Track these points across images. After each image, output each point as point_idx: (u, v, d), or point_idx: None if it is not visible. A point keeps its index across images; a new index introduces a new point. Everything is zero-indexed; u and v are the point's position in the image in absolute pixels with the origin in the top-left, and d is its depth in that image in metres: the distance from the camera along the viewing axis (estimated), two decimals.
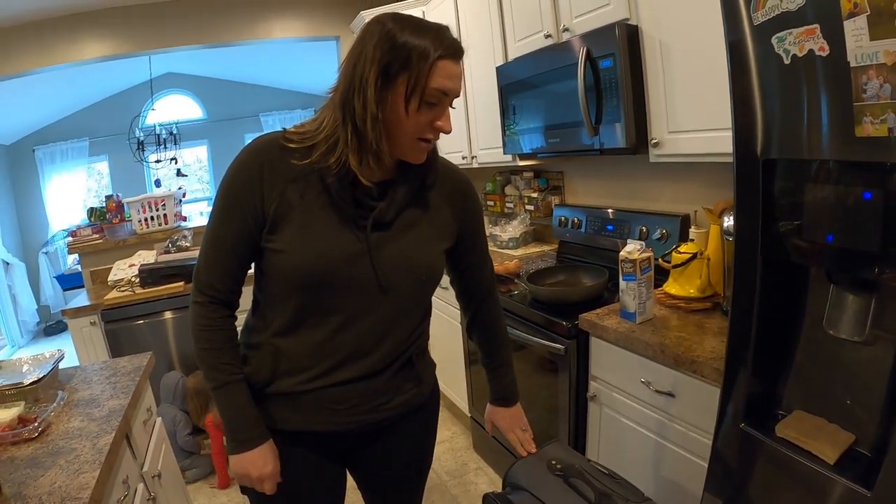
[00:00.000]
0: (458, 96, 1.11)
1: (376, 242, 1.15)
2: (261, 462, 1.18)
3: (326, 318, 1.16)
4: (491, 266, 1.49)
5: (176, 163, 6.94)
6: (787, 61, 0.97)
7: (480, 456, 2.94)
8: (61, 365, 1.92)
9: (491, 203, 3.73)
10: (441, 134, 1.13)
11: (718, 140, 1.67)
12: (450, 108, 1.12)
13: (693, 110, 1.79)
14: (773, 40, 0.98)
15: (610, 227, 2.61)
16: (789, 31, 0.95)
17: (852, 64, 0.86)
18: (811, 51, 0.92)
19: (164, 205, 3.98)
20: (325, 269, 1.12)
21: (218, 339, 1.18)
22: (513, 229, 3.31)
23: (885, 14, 0.80)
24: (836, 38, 0.88)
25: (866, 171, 0.90)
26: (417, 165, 1.18)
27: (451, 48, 1.06)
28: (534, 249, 3.21)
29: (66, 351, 1.99)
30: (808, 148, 0.99)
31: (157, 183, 7.12)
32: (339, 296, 1.15)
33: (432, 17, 3.51)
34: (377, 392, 1.23)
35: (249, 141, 1.17)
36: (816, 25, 0.90)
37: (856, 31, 0.84)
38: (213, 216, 1.16)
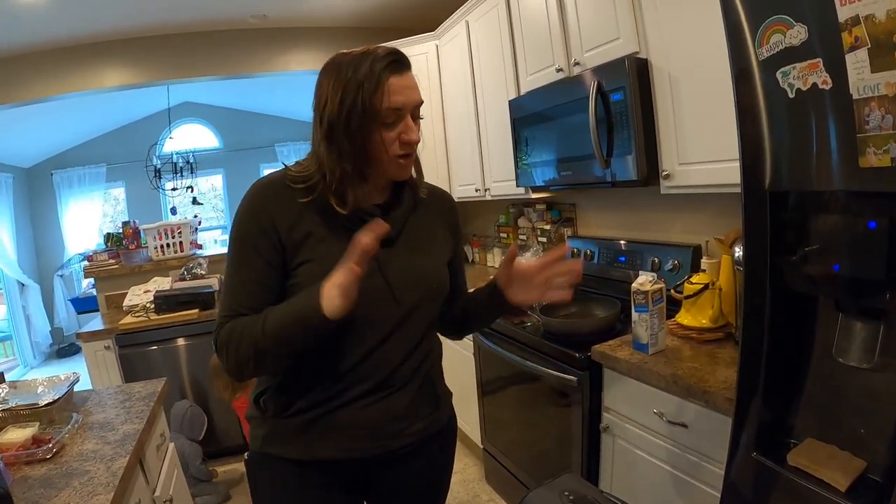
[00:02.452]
0: (418, 105, 1.16)
1: (385, 258, 1.18)
2: (330, 281, 1.06)
3: (345, 336, 1.17)
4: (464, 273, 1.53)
5: (192, 191, 7.05)
6: (791, 95, 0.99)
7: (493, 487, 2.91)
8: (75, 388, 1.94)
9: (504, 235, 3.75)
10: (414, 145, 1.17)
11: (728, 171, 1.68)
12: (415, 120, 1.16)
13: (703, 142, 1.82)
14: (778, 75, 1.00)
15: (622, 259, 2.62)
16: (793, 65, 0.97)
17: (855, 96, 0.88)
18: (815, 84, 0.94)
19: (180, 232, 4.05)
20: None
21: (240, 322, 1.13)
22: (525, 261, 3.31)
23: (885, 46, 0.83)
24: (838, 71, 0.90)
25: (871, 201, 0.92)
26: (409, 184, 1.27)
27: (391, 65, 1.11)
28: None
29: (80, 374, 2.01)
30: (813, 179, 1.00)
31: (174, 210, 7.23)
32: (356, 312, 1.12)
33: (445, 53, 3.60)
34: (397, 417, 1.23)
35: (256, 180, 1.22)
36: (819, 59, 0.93)
37: (857, 64, 0.87)
38: (232, 263, 1.17)
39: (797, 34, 0.95)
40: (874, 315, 1.01)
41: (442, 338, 1.44)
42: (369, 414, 1.20)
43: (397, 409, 1.23)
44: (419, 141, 1.17)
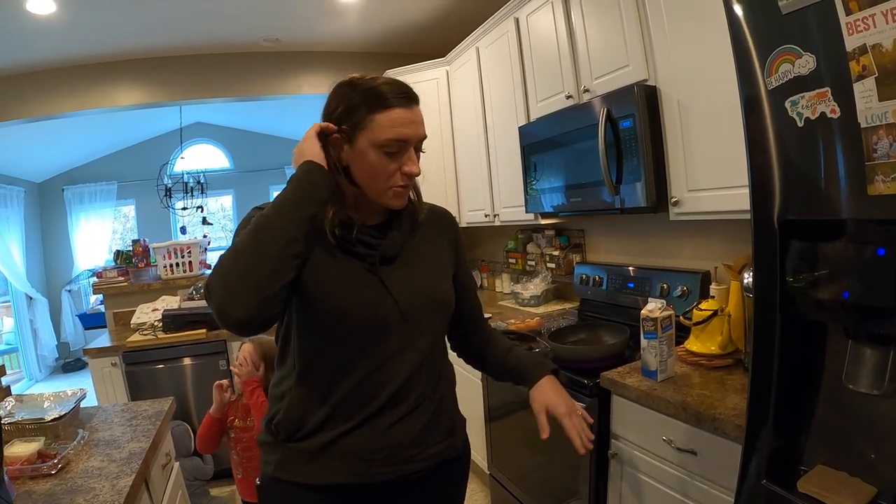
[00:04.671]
0: (421, 139, 1.20)
1: (387, 274, 1.21)
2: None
3: (352, 357, 1.18)
4: (476, 293, 1.54)
5: (202, 211, 7.11)
6: (800, 124, 1.00)
7: None
8: (82, 404, 1.95)
9: (513, 261, 3.76)
10: (414, 177, 1.21)
11: (737, 198, 1.69)
12: (417, 152, 1.20)
13: (712, 168, 1.83)
14: (787, 104, 1.02)
15: (631, 285, 2.62)
16: (802, 94, 0.98)
17: (863, 125, 0.89)
18: (823, 113, 0.96)
19: (189, 252, 4.07)
20: (344, 303, 1.16)
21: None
22: (534, 287, 3.32)
23: (893, 75, 0.84)
24: (846, 100, 0.92)
25: (880, 228, 0.92)
26: (409, 205, 1.29)
27: (399, 96, 1.15)
28: (555, 307, 3.21)
29: (87, 390, 2.02)
30: (822, 208, 1.01)
31: (183, 230, 7.29)
32: (362, 331, 1.18)
33: (456, 78, 3.64)
34: (412, 442, 1.23)
35: (256, 206, 1.22)
36: (827, 89, 0.94)
37: (865, 93, 0.88)
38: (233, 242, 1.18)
39: (805, 63, 0.97)
40: (884, 341, 1.01)
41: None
42: (383, 438, 1.20)
43: (411, 433, 1.23)
44: (419, 174, 1.20)
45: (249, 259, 1.02)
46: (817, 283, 1.04)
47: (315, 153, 1.13)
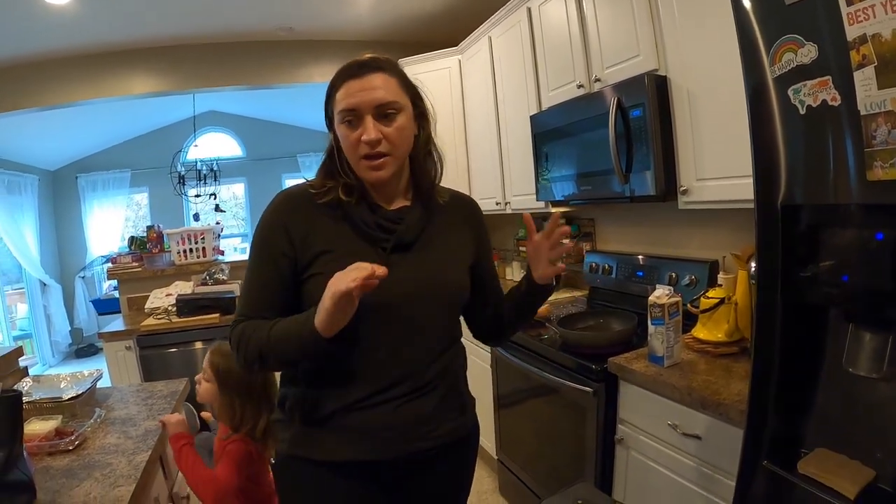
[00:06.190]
0: (374, 105, 1.16)
1: (398, 260, 1.22)
2: (328, 293, 1.06)
3: (363, 338, 1.19)
4: (499, 281, 1.56)
5: (215, 198, 7.17)
6: (802, 112, 1.02)
7: (506, 499, 2.92)
8: (99, 385, 2.00)
9: (523, 249, 3.77)
10: (374, 144, 1.16)
11: (745, 187, 1.68)
12: (381, 119, 1.17)
13: (720, 158, 1.84)
14: (790, 92, 1.04)
15: (640, 274, 2.63)
16: (804, 82, 1.00)
17: (862, 112, 0.91)
18: (824, 101, 0.97)
19: (203, 238, 4.13)
20: None
21: (250, 326, 1.19)
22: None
23: (892, 64, 0.86)
24: (846, 88, 0.93)
25: (878, 213, 0.95)
26: (426, 190, 1.31)
27: (351, 68, 1.19)
28: (565, 295, 3.23)
29: (103, 371, 2.06)
30: (823, 193, 1.03)
31: (196, 217, 7.35)
32: (370, 315, 1.17)
33: (468, 67, 3.66)
34: (425, 417, 1.25)
35: (280, 191, 1.30)
36: (829, 77, 0.96)
37: (865, 81, 0.90)
38: (249, 268, 1.25)
39: (808, 53, 0.98)
40: (883, 325, 1.03)
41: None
42: (396, 415, 1.21)
43: (424, 411, 1.25)
44: (379, 139, 1.17)
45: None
46: (818, 267, 1.07)
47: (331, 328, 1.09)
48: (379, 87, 1.16)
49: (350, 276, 1.02)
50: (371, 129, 1.16)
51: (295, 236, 1.21)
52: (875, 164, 0.90)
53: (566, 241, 1.34)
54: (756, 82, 1.12)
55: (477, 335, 1.55)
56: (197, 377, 1.96)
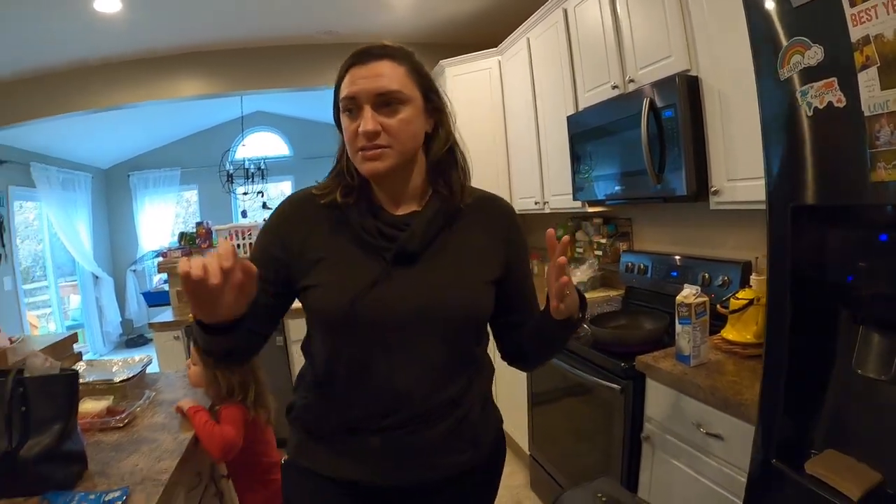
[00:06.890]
0: (375, 94, 1.06)
1: (400, 274, 1.11)
2: None
3: (361, 359, 1.12)
4: (535, 295, 1.32)
5: (262, 196, 7.37)
6: (809, 113, 1.03)
7: (537, 494, 2.95)
8: (147, 370, 2.12)
9: None
10: (370, 136, 1.07)
11: None
12: (383, 108, 1.07)
13: (750, 158, 1.83)
14: (798, 94, 1.05)
15: (674, 274, 2.62)
16: (811, 84, 1.02)
17: (866, 113, 0.92)
18: (830, 102, 0.99)
19: (250, 234, 4.27)
20: (348, 300, 1.08)
21: None
22: (581, 274, 3.34)
23: (894, 64, 0.87)
24: (851, 89, 0.95)
25: (882, 214, 0.95)
26: (444, 194, 1.16)
27: (355, 56, 1.10)
28: (600, 294, 3.23)
29: (152, 357, 2.18)
30: (830, 194, 1.04)
31: (244, 214, 7.55)
32: (368, 331, 1.10)
33: (507, 68, 3.69)
34: (426, 449, 1.15)
35: (287, 196, 1.26)
36: (834, 78, 0.97)
37: (868, 82, 0.91)
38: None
39: (814, 55, 1.00)
40: (891, 327, 1.03)
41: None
42: (393, 443, 1.13)
43: (425, 443, 1.15)
44: (378, 132, 1.06)
45: None
46: (825, 268, 1.07)
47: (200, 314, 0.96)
48: (383, 74, 1.06)
49: (195, 261, 0.84)
50: (368, 120, 1.05)
51: (290, 243, 1.15)
52: (878, 164, 0.91)
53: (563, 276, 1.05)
54: (767, 85, 1.13)
55: (504, 357, 1.36)
56: (186, 362, 2.02)
